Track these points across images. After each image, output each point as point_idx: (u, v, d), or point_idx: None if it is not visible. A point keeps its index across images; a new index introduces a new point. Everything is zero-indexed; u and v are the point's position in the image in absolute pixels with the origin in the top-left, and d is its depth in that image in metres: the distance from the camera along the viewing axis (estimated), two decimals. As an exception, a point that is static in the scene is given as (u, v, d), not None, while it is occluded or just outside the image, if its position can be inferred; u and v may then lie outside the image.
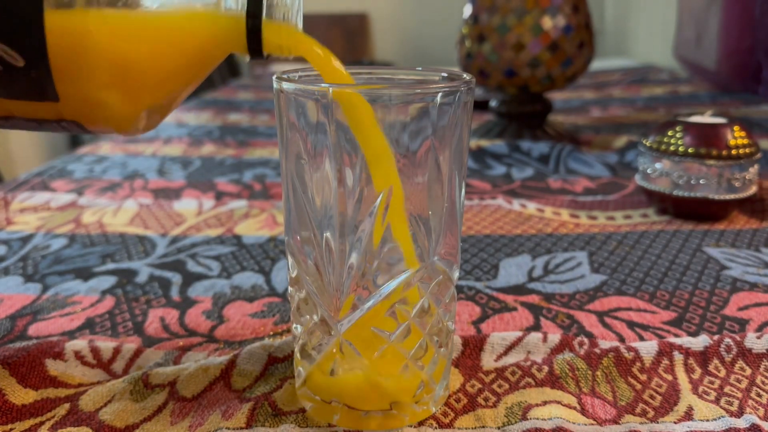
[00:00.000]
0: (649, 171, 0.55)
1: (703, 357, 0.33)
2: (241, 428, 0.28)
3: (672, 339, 0.34)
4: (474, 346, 0.34)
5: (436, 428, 0.29)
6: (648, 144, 0.55)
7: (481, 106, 1.00)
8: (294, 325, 0.30)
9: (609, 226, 0.54)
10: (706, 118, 0.54)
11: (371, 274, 0.27)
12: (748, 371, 0.32)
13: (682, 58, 1.31)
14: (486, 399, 0.30)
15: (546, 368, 0.32)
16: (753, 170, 0.52)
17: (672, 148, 0.53)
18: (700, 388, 0.31)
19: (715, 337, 0.34)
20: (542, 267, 0.46)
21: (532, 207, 0.58)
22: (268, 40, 0.27)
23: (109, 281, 0.44)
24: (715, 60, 1.13)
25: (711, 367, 0.32)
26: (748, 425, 0.28)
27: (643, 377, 0.32)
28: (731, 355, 0.33)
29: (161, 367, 0.33)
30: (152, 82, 0.27)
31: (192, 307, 0.41)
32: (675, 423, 0.29)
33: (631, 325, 0.38)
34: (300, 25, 0.28)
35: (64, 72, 0.25)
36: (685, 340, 0.34)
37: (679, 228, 0.53)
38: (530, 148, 0.75)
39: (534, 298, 0.41)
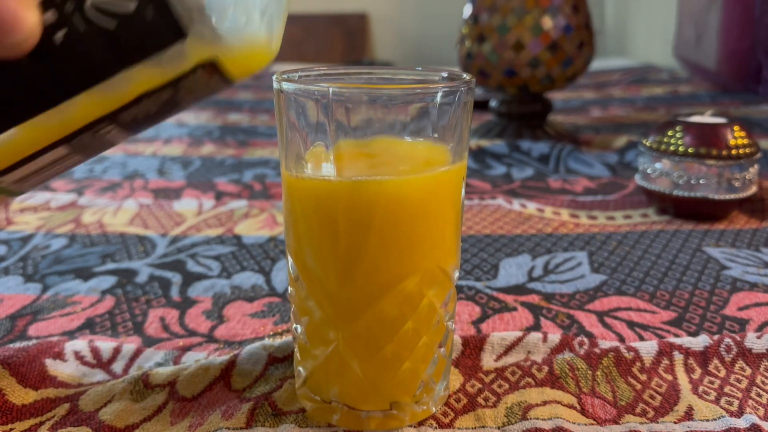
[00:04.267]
0: (649, 171, 0.55)
1: (703, 357, 0.33)
2: (241, 428, 0.28)
3: (672, 339, 0.34)
4: (474, 346, 0.34)
5: (436, 428, 0.29)
6: (648, 144, 0.55)
7: (481, 106, 1.00)
8: (294, 325, 0.30)
9: (609, 226, 0.54)
10: (706, 118, 0.54)
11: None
12: (748, 371, 0.32)
13: (682, 58, 1.31)
14: (486, 399, 0.30)
15: (546, 368, 0.32)
16: (753, 170, 0.52)
17: (672, 148, 0.53)
18: (700, 388, 0.31)
19: (715, 337, 0.34)
20: (542, 267, 0.46)
21: (532, 207, 0.58)
22: None
23: (109, 281, 0.44)
24: (715, 60, 1.13)
25: (711, 367, 0.32)
26: (748, 425, 0.28)
27: (643, 377, 0.32)
28: (731, 355, 0.33)
29: (161, 367, 0.33)
30: None
31: (192, 307, 0.41)
32: (675, 423, 0.29)
33: (631, 325, 0.38)
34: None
35: None
36: (685, 340, 0.34)
37: (679, 228, 0.53)
38: (530, 148, 0.75)
39: (534, 298, 0.41)
